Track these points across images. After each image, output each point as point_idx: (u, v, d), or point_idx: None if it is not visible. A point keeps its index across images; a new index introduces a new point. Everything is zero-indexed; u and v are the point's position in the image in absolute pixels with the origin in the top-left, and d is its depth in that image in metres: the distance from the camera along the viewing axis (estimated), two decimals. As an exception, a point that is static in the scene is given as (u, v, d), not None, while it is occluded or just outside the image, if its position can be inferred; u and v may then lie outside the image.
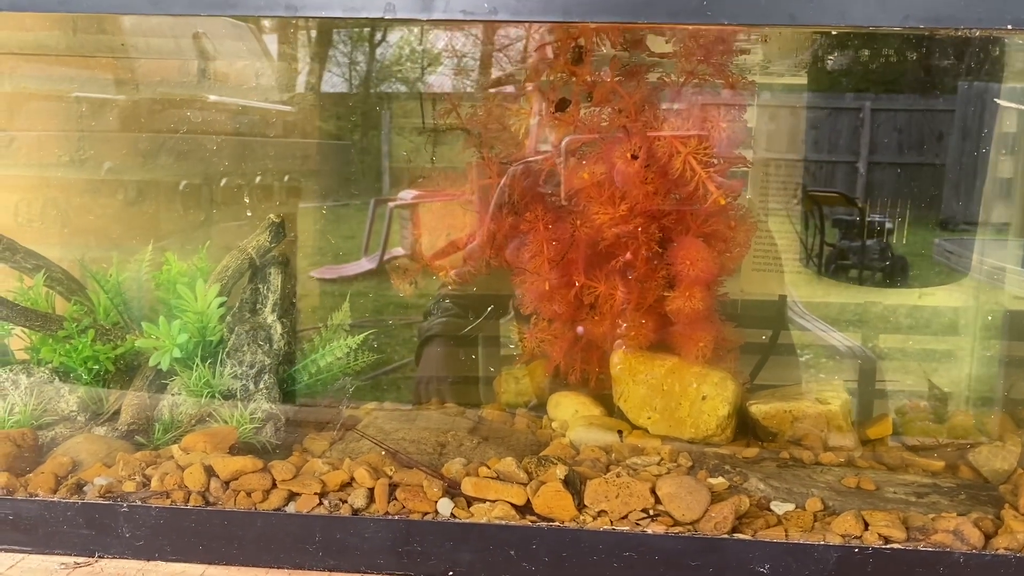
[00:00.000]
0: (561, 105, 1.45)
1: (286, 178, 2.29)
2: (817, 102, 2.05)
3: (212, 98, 2.18)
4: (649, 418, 1.56)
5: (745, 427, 1.57)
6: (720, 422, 1.52)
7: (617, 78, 1.43)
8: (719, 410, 1.52)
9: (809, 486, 1.37)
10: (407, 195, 2.02)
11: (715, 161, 1.36)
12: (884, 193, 2.16)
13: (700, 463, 1.43)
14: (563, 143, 1.50)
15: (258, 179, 2.24)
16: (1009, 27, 1.07)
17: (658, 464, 1.42)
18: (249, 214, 2.02)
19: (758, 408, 1.54)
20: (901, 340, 2.04)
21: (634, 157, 1.39)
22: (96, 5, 1.28)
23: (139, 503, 1.29)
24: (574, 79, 1.45)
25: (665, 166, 1.39)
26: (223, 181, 2.14)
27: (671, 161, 1.38)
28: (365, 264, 2.10)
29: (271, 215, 1.62)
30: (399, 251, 1.98)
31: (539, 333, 1.66)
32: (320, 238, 2.24)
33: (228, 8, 1.22)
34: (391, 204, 2.02)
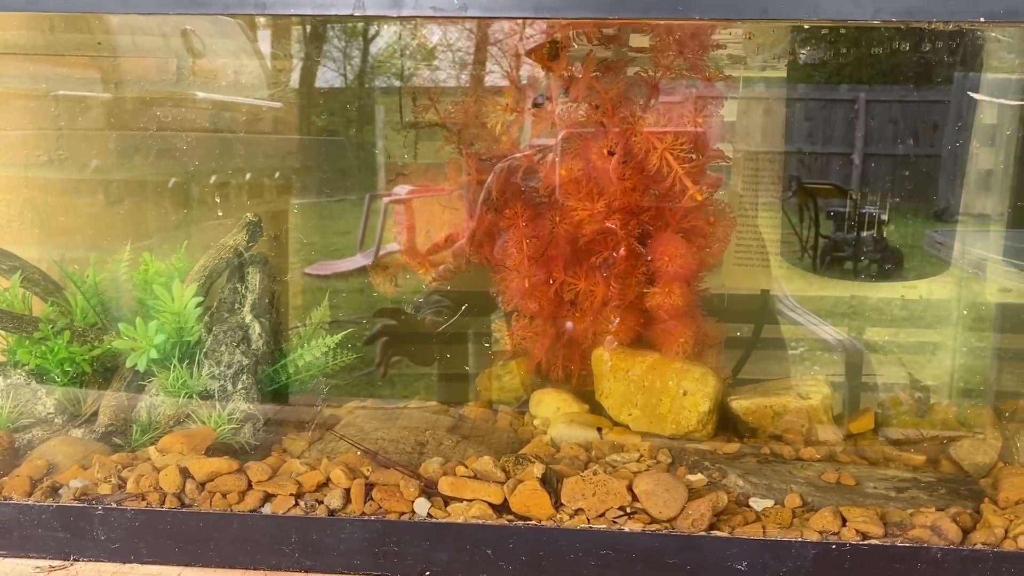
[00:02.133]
0: (538, 101, 1.45)
1: (276, 175, 2.28)
2: (807, 94, 2.04)
3: (200, 95, 2.16)
4: (630, 415, 1.56)
5: (727, 422, 1.57)
6: (701, 418, 1.52)
7: (594, 74, 1.42)
8: (700, 406, 1.52)
9: (788, 482, 1.36)
10: (402, 190, 2.01)
11: (692, 157, 1.35)
12: (879, 185, 2.15)
13: (680, 459, 1.43)
14: (559, 137, 1.49)
15: (247, 176, 2.23)
16: (982, 19, 1.06)
17: (637, 461, 1.41)
18: (220, 213, 2.00)
19: (739, 404, 1.54)
20: (888, 333, 2.04)
21: (611, 153, 1.39)
22: (65, 4, 1.26)
23: (114, 505, 1.28)
24: (551, 75, 1.44)
25: (642, 162, 1.38)
26: (212, 178, 2.13)
27: (648, 157, 1.37)
28: (360, 260, 2.09)
29: (248, 214, 1.61)
30: (394, 246, 1.95)
31: (521, 330, 1.65)
32: (312, 234, 2.23)
33: (197, 7, 1.21)
34: (385, 199, 2.00)
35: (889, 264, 2.11)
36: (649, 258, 1.51)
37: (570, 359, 1.66)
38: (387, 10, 1.16)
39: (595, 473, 1.28)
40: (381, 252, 2.00)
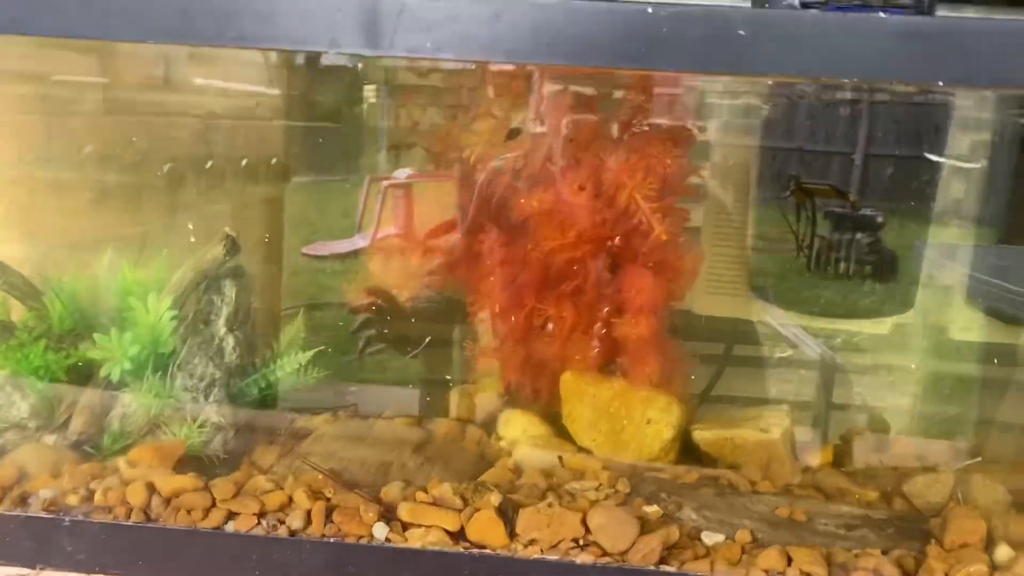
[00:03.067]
0: (512, 134, 1.47)
1: (273, 160, 2.29)
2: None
3: (195, 82, 2.18)
4: (594, 440, 1.59)
5: (690, 450, 1.60)
6: (664, 446, 1.55)
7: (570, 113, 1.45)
8: (663, 434, 1.55)
9: (742, 516, 1.39)
10: (401, 174, 2.04)
11: (661, 194, 1.38)
12: (876, 190, 2.16)
13: (638, 489, 1.46)
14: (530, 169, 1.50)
15: (243, 162, 2.24)
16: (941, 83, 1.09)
17: (596, 489, 1.44)
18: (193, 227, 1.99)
19: (700, 434, 1.57)
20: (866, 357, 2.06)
21: (581, 188, 1.41)
22: (49, 29, 1.28)
23: (82, 518, 1.32)
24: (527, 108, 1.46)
25: (612, 198, 1.41)
26: (208, 164, 2.14)
27: (617, 194, 1.39)
28: (358, 242, 2.11)
29: (226, 228, 1.64)
30: (392, 230, 1.98)
31: (490, 352, 1.68)
32: (309, 217, 2.25)
33: (179, 37, 1.22)
34: (384, 183, 2.03)
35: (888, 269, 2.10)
36: (617, 289, 1.54)
37: (539, 382, 1.69)
38: (361, 48, 1.18)
39: (550, 505, 1.31)
40: (379, 236, 2.01)
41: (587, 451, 1.60)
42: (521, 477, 1.49)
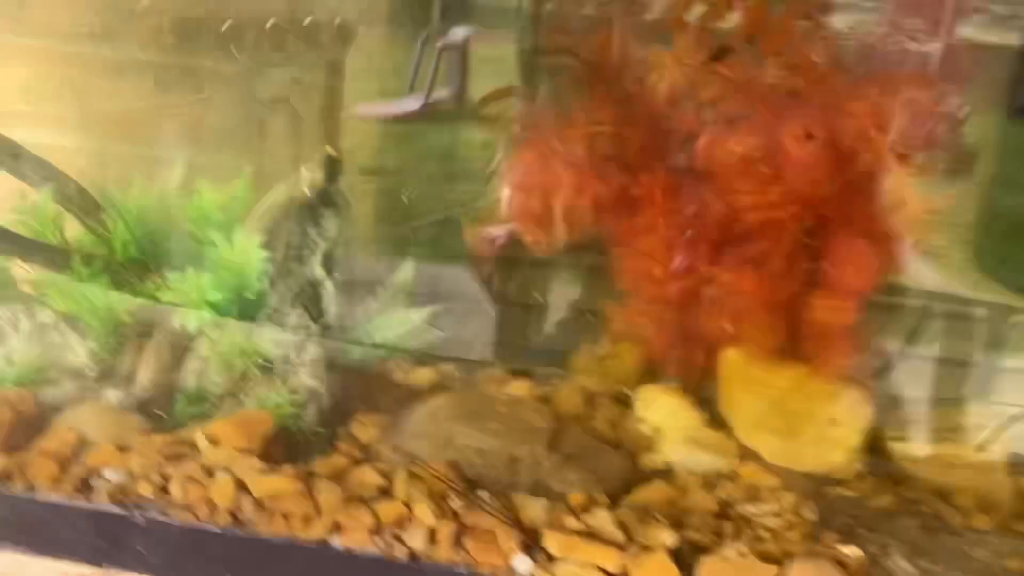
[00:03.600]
0: (720, 53, 1.10)
1: (336, 20, 1.97)
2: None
3: None
4: (764, 441, 1.30)
5: (877, 460, 1.31)
6: (850, 454, 1.27)
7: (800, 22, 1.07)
8: (849, 440, 1.27)
9: (962, 567, 1.11)
10: (458, 33, 1.84)
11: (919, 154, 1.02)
12: None
13: (827, 519, 1.17)
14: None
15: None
16: None
17: (776, 516, 1.17)
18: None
19: (900, 447, 1.28)
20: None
21: (808, 136, 1.06)
22: None
23: (158, 517, 1.08)
24: (738, 17, 1.09)
25: (847, 155, 1.05)
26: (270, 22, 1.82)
27: (857, 148, 1.04)
28: (411, 103, 1.90)
29: (327, 147, 1.32)
30: (443, 94, 1.86)
31: (635, 314, 1.37)
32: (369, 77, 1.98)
33: None
34: (439, 44, 1.84)
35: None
36: (822, 259, 1.21)
37: (694, 356, 1.39)
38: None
39: (742, 555, 1.03)
40: (431, 99, 1.87)
41: (752, 451, 1.32)
42: (679, 489, 1.21)
